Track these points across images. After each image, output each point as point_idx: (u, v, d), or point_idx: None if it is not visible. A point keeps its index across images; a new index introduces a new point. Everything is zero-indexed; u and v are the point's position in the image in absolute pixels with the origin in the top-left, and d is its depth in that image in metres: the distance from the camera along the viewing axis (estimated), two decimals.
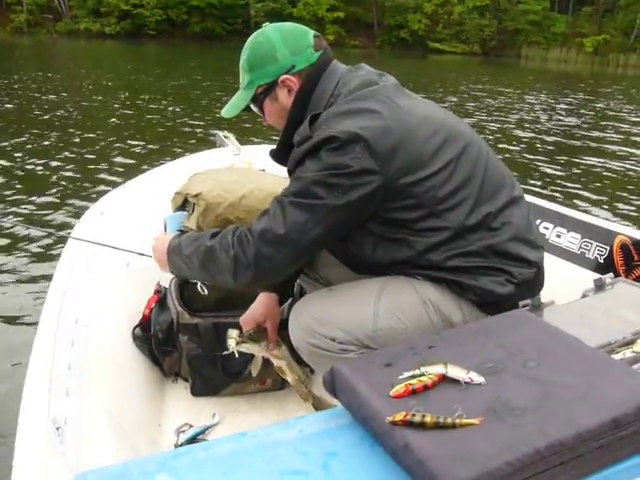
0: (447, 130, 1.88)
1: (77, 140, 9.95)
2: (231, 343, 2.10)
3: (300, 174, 1.80)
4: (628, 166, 10.01)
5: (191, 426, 2.31)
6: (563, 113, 16.63)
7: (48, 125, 11.05)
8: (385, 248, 1.87)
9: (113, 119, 12.09)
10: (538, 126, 13.84)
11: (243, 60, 1.98)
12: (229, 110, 2.06)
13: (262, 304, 2.26)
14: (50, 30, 47.71)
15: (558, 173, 9.22)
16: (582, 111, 17.27)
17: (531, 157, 10.27)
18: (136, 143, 9.86)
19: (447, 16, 52.17)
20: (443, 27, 52.08)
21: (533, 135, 12.71)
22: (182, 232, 2.11)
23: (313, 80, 1.92)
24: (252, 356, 2.36)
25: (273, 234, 1.76)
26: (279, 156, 2.07)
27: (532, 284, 1.91)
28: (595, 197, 7.87)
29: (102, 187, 6.41)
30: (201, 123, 11.86)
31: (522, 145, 11.43)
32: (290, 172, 1.95)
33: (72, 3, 49.29)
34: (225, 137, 4.44)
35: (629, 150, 11.42)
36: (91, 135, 10.36)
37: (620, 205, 7.53)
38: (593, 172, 9.53)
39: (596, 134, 13.39)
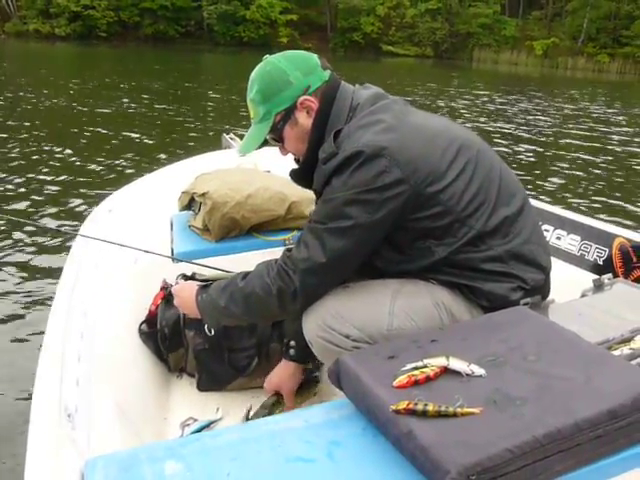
0: (460, 141, 1.91)
1: (85, 139, 10.04)
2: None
3: (330, 196, 1.81)
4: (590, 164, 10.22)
5: (196, 420, 2.34)
6: (514, 113, 16.89)
7: (56, 121, 11.10)
8: (409, 259, 1.90)
9: (119, 119, 12.17)
10: (497, 126, 14.06)
11: (254, 93, 1.96)
12: (247, 146, 2.03)
13: (277, 373, 2.33)
14: None
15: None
16: (532, 111, 17.61)
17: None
18: (144, 142, 10.00)
19: (400, 19, 52.35)
20: (396, 30, 52.19)
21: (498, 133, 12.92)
22: (203, 283, 2.11)
23: (330, 96, 1.94)
24: (258, 351, 2.41)
25: (315, 264, 1.80)
26: (301, 177, 2.09)
27: (541, 290, 1.94)
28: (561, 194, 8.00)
29: (110, 186, 6.43)
30: (199, 125, 11.92)
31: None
32: (316, 192, 1.98)
33: (20, 3, 48.18)
34: (231, 139, 4.50)
35: (582, 145, 11.65)
36: (98, 134, 10.47)
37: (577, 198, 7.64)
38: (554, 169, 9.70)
39: (551, 132, 13.77)
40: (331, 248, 1.79)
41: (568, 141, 12.75)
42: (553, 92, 25.30)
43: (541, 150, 11.51)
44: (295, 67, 1.93)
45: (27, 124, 11.02)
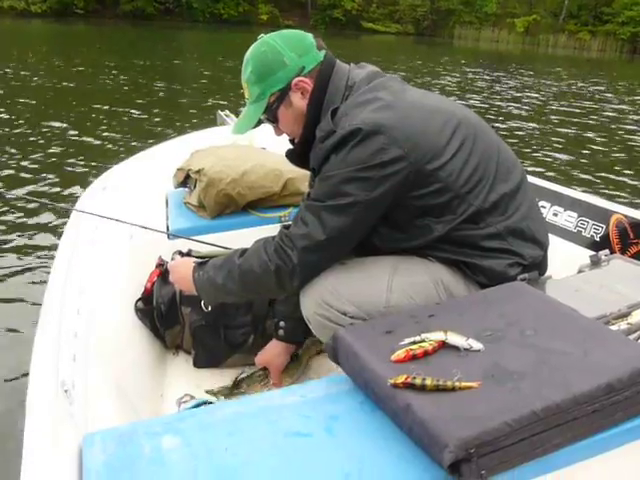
0: (457, 117, 1.90)
1: (77, 115, 10.02)
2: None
3: (327, 173, 1.81)
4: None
5: (192, 397, 2.34)
6: (501, 90, 17.05)
7: (47, 100, 11.05)
8: (408, 236, 1.89)
9: (113, 95, 12.11)
10: (486, 103, 14.13)
11: (248, 73, 1.95)
12: (242, 127, 2.04)
13: (267, 351, 2.39)
14: None
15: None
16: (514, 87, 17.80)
17: None
18: (138, 118, 9.99)
19: None
20: (377, 7, 52.08)
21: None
22: (199, 260, 2.11)
23: (325, 77, 1.93)
24: (254, 328, 2.42)
25: (314, 241, 1.80)
26: (297, 157, 2.09)
27: (539, 266, 1.94)
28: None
29: (104, 162, 6.42)
30: (192, 101, 11.89)
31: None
32: (314, 171, 1.97)
33: None
34: (226, 116, 4.48)
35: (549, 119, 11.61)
36: (91, 110, 10.46)
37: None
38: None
39: (541, 109, 13.95)
40: (330, 225, 1.78)
41: (560, 117, 12.87)
42: (539, 69, 25.52)
43: (533, 126, 11.59)
44: (290, 48, 1.91)
45: (20, 100, 10.98)
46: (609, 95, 17.59)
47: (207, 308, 2.33)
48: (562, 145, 9.98)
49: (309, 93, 1.93)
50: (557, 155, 9.11)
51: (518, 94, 16.29)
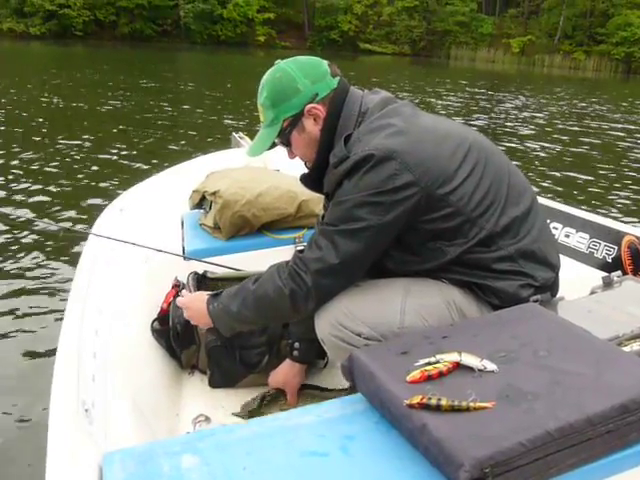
0: (469, 141, 1.93)
1: (92, 138, 10.06)
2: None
3: (341, 198, 1.84)
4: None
5: (207, 417, 2.36)
6: (503, 110, 17.12)
7: (64, 124, 11.15)
8: (421, 259, 1.91)
9: (125, 116, 12.24)
10: (488, 123, 14.18)
11: (263, 98, 1.99)
12: (256, 149, 2.07)
13: (282, 371, 2.43)
14: None
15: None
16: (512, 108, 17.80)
17: None
18: (154, 139, 10.09)
19: (377, 17, 52.93)
20: (373, 28, 52.68)
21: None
22: (212, 292, 2.12)
23: (338, 104, 1.96)
24: (269, 348, 2.44)
25: (328, 266, 1.83)
26: (311, 182, 2.12)
27: (551, 288, 1.96)
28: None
29: (120, 185, 6.49)
30: (202, 123, 11.96)
31: None
32: (328, 195, 2.00)
33: None
34: (240, 138, 4.53)
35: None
36: (104, 132, 10.54)
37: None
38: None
39: (545, 129, 13.98)
40: (343, 250, 1.81)
41: (568, 137, 12.90)
42: (539, 89, 25.74)
43: (539, 146, 11.58)
44: (304, 74, 1.95)
45: (39, 121, 11.11)
46: (614, 115, 17.63)
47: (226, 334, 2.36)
48: (571, 164, 10.00)
49: (322, 119, 1.96)
50: (567, 174, 9.13)
51: (522, 114, 16.37)
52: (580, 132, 13.64)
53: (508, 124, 14.20)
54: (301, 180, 2.15)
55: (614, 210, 7.21)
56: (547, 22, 51.36)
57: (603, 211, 6.89)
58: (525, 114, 16.48)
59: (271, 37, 50.56)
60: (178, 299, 2.24)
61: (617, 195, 8.03)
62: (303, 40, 51.09)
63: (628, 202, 7.75)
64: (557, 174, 9.10)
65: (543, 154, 10.86)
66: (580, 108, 18.95)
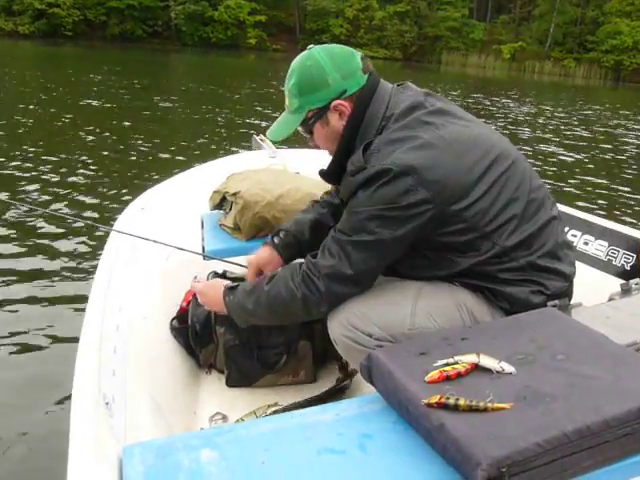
0: (496, 151, 1.91)
1: (117, 138, 10.18)
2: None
3: (354, 209, 1.84)
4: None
5: (224, 416, 2.38)
6: (502, 115, 17.23)
7: (95, 123, 11.25)
8: (432, 267, 1.92)
9: (146, 121, 12.31)
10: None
11: (291, 84, 1.97)
12: (277, 133, 2.08)
13: (263, 257, 2.35)
14: None
15: None
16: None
17: None
18: (175, 142, 10.12)
19: (368, 21, 52.79)
20: (365, 32, 52.49)
21: None
22: (230, 283, 2.16)
23: (364, 103, 1.94)
24: (287, 348, 2.46)
25: (341, 274, 1.85)
26: (329, 177, 2.12)
27: (563, 296, 1.95)
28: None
29: (142, 183, 6.56)
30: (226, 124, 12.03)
31: None
32: (343, 201, 2.00)
33: None
34: (261, 140, 4.54)
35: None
36: (130, 134, 10.62)
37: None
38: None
39: (547, 135, 14.03)
40: (355, 260, 1.83)
41: (573, 143, 13.06)
42: (532, 95, 26.01)
43: (544, 152, 11.66)
44: (335, 68, 1.92)
45: (65, 119, 11.21)
46: (612, 122, 17.90)
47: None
48: (580, 170, 10.05)
49: (347, 116, 1.95)
50: (580, 180, 9.17)
51: (521, 119, 16.57)
52: (584, 138, 13.89)
53: (510, 129, 14.23)
54: (320, 174, 2.14)
55: (631, 217, 7.21)
56: (538, 29, 52.00)
57: (620, 216, 6.89)
58: (524, 119, 16.71)
59: (262, 40, 50.54)
60: (193, 284, 2.27)
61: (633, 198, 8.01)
62: (294, 43, 50.47)
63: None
64: (556, 180, 9.16)
65: (548, 160, 10.93)
66: (580, 114, 19.27)
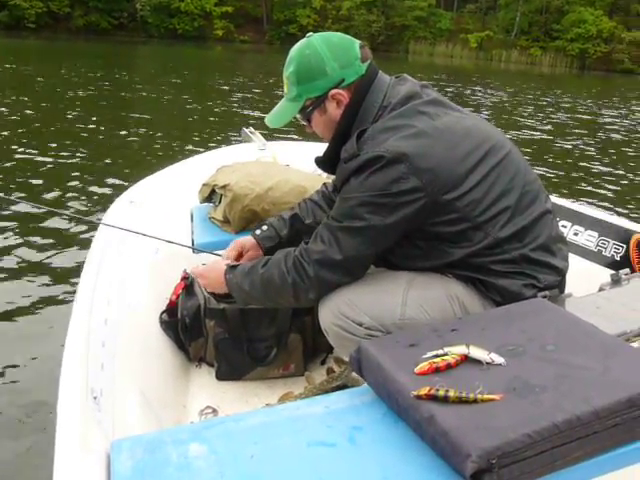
0: (490, 143, 1.92)
1: (105, 130, 10.17)
2: None
3: (346, 195, 1.85)
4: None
5: (214, 409, 2.37)
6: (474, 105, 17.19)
7: (79, 116, 11.24)
8: (424, 257, 1.92)
9: (139, 113, 12.28)
10: None
11: (289, 72, 1.99)
12: (275, 120, 2.09)
13: (249, 240, 2.42)
14: None
15: None
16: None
17: None
18: (163, 136, 10.09)
19: (336, 11, 52.94)
20: (332, 22, 52.06)
21: None
22: (232, 264, 2.17)
23: (362, 93, 1.95)
24: (277, 341, 2.45)
25: (331, 260, 1.86)
26: (325, 164, 2.13)
27: (555, 288, 1.95)
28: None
29: (131, 177, 6.53)
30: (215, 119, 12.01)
31: None
32: (336, 188, 2.02)
33: None
34: (251, 133, 4.52)
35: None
36: (119, 126, 10.62)
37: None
38: None
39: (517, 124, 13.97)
40: (345, 246, 1.83)
41: (537, 133, 13.03)
42: (502, 83, 26.30)
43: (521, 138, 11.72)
44: (334, 57, 1.93)
45: (40, 113, 11.15)
46: (583, 108, 18.21)
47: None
48: (560, 160, 10.14)
49: (344, 105, 1.96)
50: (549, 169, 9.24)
51: (491, 106, 16.79)
52: (565, 125, 14.07)
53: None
54: (315, 162, 2.15)
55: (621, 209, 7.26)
56: (504, 18, 52.43)
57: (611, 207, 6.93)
58: (497, 108, 16.84)
59: (229, 31, 50.50)
60: (193, 268, 2.30)
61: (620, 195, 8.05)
62: (262, 34, 51.13)
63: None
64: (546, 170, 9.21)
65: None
66: (555, 103, 19.55)
